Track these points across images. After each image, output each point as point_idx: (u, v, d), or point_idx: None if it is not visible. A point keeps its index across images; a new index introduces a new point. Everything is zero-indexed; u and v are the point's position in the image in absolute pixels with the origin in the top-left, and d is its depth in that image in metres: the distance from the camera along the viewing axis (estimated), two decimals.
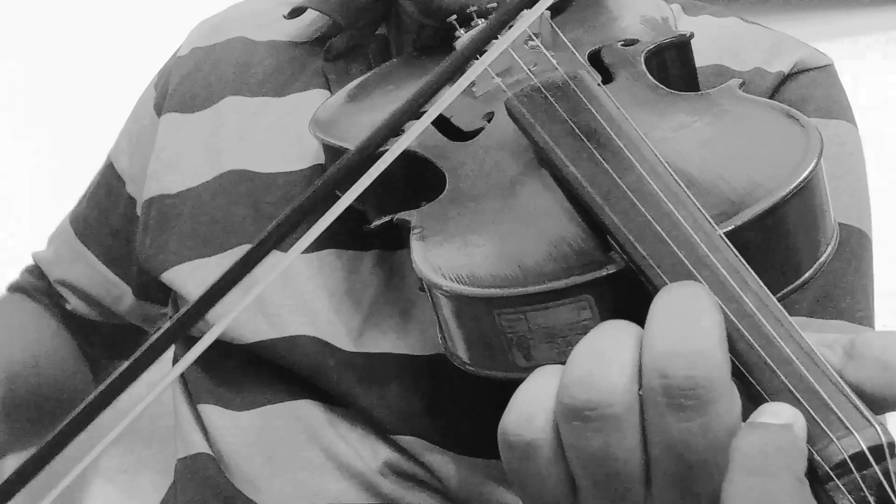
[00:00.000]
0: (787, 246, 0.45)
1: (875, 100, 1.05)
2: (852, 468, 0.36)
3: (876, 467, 0.36)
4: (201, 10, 0.89)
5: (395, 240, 0.64)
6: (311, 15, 0.80)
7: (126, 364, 0.34)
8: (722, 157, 0.48)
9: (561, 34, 0.63)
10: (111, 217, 0.86)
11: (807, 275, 0.46)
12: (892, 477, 0.36)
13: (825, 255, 0.47)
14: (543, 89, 0.55)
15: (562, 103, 0.53)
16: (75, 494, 0.97)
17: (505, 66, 0.61)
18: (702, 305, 0.39)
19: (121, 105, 0.90)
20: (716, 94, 0.54)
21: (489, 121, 0.59)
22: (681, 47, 0.62)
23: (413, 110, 0.39)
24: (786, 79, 0.71)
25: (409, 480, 0.66)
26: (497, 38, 0.41)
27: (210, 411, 0.71)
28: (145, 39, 1.09)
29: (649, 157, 0.48)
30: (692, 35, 0.62)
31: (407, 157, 0.56)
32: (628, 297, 0.43)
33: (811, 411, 0.38)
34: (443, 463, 0.65)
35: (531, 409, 0.41)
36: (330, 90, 0.75)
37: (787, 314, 0.41)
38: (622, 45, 0.62)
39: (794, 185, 0.45)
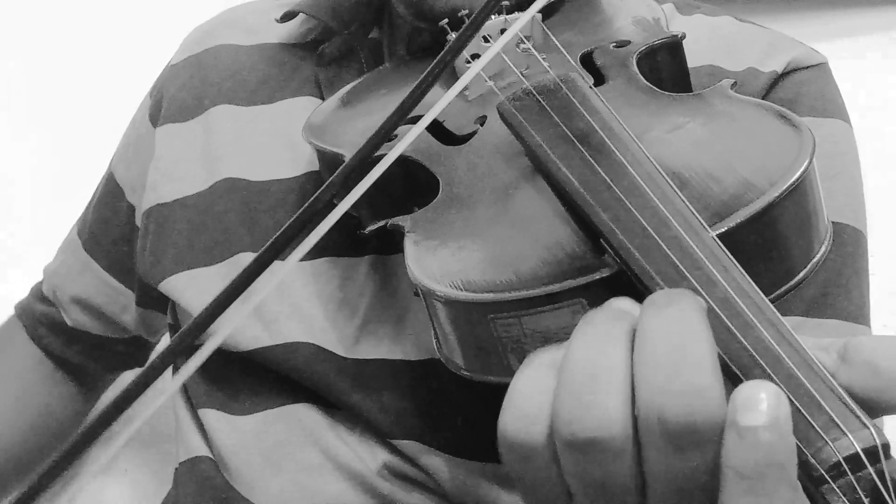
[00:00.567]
0: (780, 247, 0.45)
1: (875, 100, 1.05)
2: (847, 470, 0.36)
3: (871, 469, 0.36)
4: (201, 11, 0.89)
5: (391, 244, 0.64)
6: (303, 18, 0.80)
7: (128, 386, 0.34)
8: (714, 158, 0.48)
9: (552, 36, 0.62)
10: (113, 226, 0.86)
11: (801, 275, 0.46)
12: (887, 478, 0.36)
13: (819, 255, 0.47)
14: (535, 92, 0.54)
15: (554, 106, 0.53)
16: (75, 494, 0.97)
17: (497, 70, 0.61)
18: (692, 328, 0.38)
19: (121, 105, 0.89)
20: (708, 94, 0.54)
21: (482, 124, 0.59)
22: (673, 48, 0.62)
23: (406, 114, 0.39)
24: (779, 78, 0.71)
25: (408, 482, 0.66)
26: (487, 39, 0.41)
27: (210, 416, 0.71)
28: (145, 39, 1.09)
29: (641, 159, 0.48)
30: (684, 36, 0.62)
31: (400, 161, 0.55)
32: None
33: (805, 414, 0.38)
34: (440, 465, 0.65)
35: (530, 410, 0.41)
36: (322, 96, 0.75)
37: (780, 317, 0.40)
38: (614, 46, 0.62)
39: (786, 185, 0.45)
